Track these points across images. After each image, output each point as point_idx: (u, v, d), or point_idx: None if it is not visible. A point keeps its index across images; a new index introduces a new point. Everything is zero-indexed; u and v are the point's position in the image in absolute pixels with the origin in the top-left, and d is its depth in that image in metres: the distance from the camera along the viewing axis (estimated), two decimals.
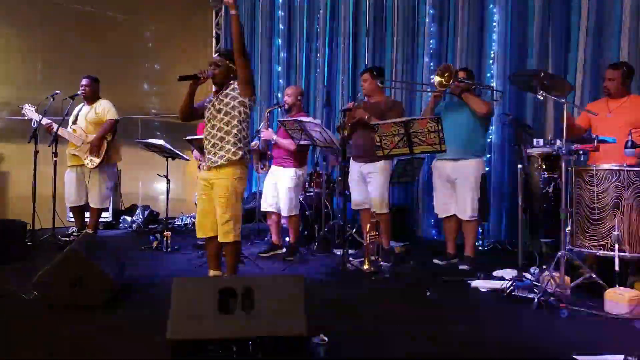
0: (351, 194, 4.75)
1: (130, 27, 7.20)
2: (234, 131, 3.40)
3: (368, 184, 4.56)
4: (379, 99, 4.63)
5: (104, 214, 6.01)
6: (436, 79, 4.30)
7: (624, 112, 3.79)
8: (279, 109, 5.20)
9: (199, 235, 3.58)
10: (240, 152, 3.41)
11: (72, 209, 5.50)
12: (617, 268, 3.24)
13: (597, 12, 4.70)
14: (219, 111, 3.42)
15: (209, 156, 3.45)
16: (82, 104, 5.44)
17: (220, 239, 3.41)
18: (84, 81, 5.35)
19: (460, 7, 5.56)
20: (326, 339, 2.46)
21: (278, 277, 2.48)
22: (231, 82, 3.50)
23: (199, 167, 5.42)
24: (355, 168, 4.66)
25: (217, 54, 3.61)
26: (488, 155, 5.23)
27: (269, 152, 4.88)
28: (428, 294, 3.47)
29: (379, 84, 4.60)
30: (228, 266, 3.45)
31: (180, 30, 7.82)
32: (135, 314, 3.06)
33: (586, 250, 3.47)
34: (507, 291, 3.37)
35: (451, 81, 4.18)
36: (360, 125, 4.43)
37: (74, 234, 5.35)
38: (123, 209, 6.77)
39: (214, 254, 3.60)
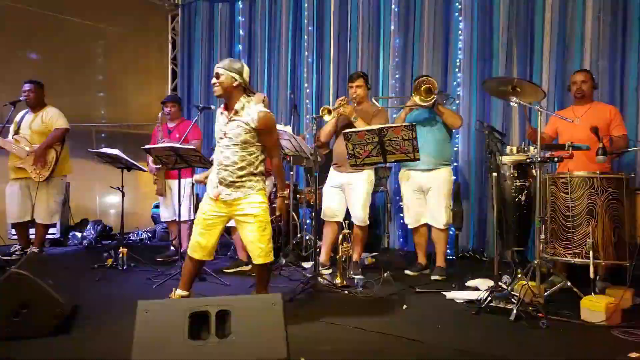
0: (324, 203, 4.50)
1: (81, 29, 6.78)
2: (248, 164, 3.04)
3: (349, 195, 4.37)
4: (367, 105, 4.46)
5: (51, 230, 5.58)
6: (416, 97, 4.16)
7: (589, 119, 3.84)
8: None
9: (196, 256, 3.15)
10: (259, 185, 3.09)
11: (15, 225, 5.07)
12: (592, 275, 3.23)
13: (559, 22, 4.79)
14: (230, 138, 3.04)
15: (222, 187, 3.06)
16: (24, 111, 5.02)
17: (262, 261, 3.05)
18: (27, 86, 4.92)
19: (426, 16, 5.54)
20: None
21: (255, 297, 2.28)
22: (241, 100, 3.02)
23: (154, 183, 5.09)
24: (337, 177, 4.45)
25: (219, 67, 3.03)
26: (455, 164, 5.21)
27: None
28: (405, 307, 3.43)
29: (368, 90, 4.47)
30: (262, 284, 3.16)
31: (134, 34, 7.45)
32: (90, 342, 2.76)
33: (561, 258, 3.44)
34: (485, 302, 3.29)
35: (431, 97, 4.09)
36: (345, 126, 4.22)
37: (17, 252, 4.94)
38: (72, 224, 6.32)
39: (192, 274, 3.24)
